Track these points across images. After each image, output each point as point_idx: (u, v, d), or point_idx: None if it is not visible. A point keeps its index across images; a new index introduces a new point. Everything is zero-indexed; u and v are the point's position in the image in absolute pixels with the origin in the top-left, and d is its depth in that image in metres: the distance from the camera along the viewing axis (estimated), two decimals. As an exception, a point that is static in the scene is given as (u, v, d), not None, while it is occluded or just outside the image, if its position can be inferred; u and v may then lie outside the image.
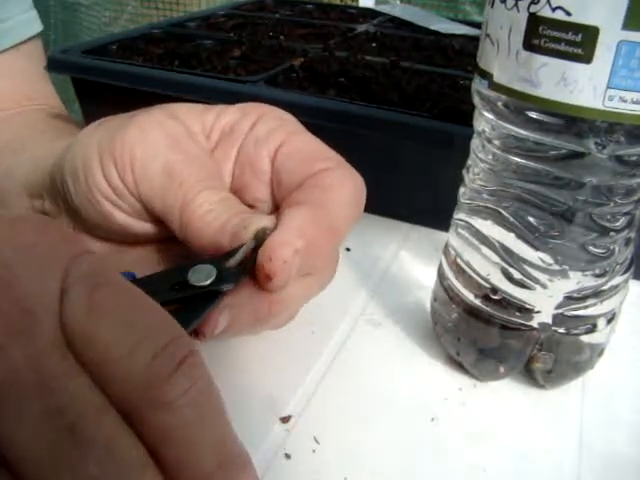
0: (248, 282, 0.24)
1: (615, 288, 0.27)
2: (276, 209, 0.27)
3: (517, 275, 0.26)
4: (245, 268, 0.23)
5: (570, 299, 0.27)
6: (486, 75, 0.25)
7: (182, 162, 0.26)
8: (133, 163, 0.26)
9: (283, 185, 0.27)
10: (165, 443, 0.17)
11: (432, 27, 0.69)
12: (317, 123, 0.29)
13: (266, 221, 0.24)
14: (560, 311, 0.27)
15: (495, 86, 0.25)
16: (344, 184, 0.26)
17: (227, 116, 0.29)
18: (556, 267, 0.26)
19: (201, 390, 0.17)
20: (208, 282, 0.22)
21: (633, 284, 0.29)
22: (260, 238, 0.24)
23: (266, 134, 0.27)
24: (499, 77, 0.24)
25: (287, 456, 0.25)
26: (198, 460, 0.17)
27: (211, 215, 0.25)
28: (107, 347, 0.16)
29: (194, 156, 0.27)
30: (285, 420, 0.27)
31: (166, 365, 0.17)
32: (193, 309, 0.22)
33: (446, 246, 0.30)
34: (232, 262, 0.23)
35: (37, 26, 0.50)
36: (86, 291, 0.17)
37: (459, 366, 0.30)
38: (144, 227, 0.28)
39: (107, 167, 0.26)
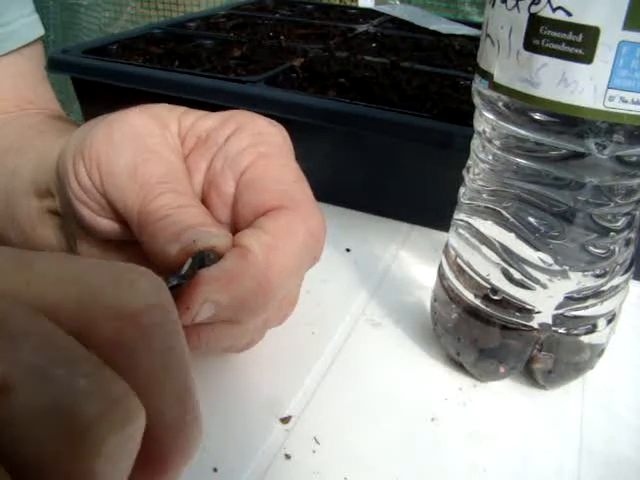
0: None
1: (615, 289, 0.27)
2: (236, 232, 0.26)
3: (517, 275, 0.26)
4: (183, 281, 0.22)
5: (570, 299, 0.27)
6: (486, 75, 0.25)
7: (146, 162, 0.25)
8: (99, 161, 0.25)
9: (239, 214, 0.26)
10: (127, 368, 0.14)
11: (432, 27, 0.69)
12: (317, 123, 0.29)
13: (217, 240, 0.23)
14: (560, 311, 0.27)
15: (495, 86, 0.25)
16: (293, 232, 0.24)
17: (206, 122, 0.28)
18: (556, 267, 0.26)
19: (173, 320, 0.15)
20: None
21: (633, 285, 0.29)
22: (207, 257, 0.23)
23: (235, 153, 0.26)
24: (499, 77, 0.24)
25: (287, 456, 0.25)
26: (161, 402, 0.14)
27: (167, 220, 0.24)
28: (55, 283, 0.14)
29: (161, 157, 0.26)
30: (285, 420, 0.27)
31: (129, 275, 0.15)
32: None
33: (446, 246, 0.30)
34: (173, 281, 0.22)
35: (39, 30, 0.51)
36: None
37: (459, 366, 0.30)
38: (115, 227, 0.27)
39: (77, 165, 0.26)
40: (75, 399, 0.12)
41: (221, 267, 0.23)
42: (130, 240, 0.28)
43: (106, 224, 0.27)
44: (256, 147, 0.26)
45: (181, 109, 0.28)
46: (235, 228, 0.26)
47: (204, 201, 0.27)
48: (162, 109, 0.28)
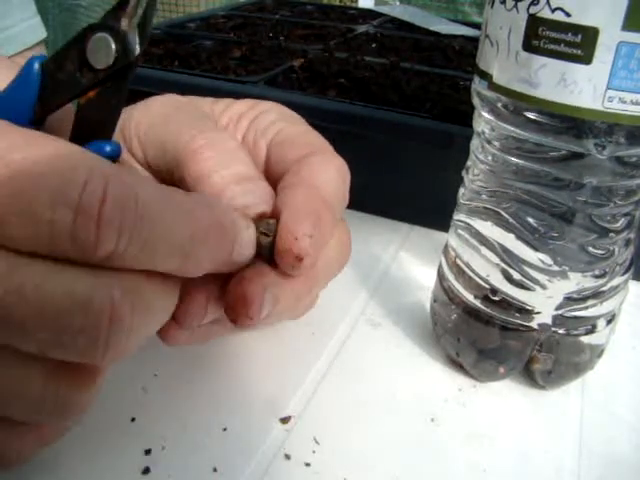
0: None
1: (615, 289, 0.27)
2: None
3: (517, 276, 0.26)
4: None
5: (570, 300, 0.27)
6: (485, 76, 0.25)
7: (179, 110, 0.27)
8: (138, 129, 0.27)
9: (273, 172, 0.27)
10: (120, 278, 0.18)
11: (432, 28, 0.69)
12: (317, 123, 0.29)
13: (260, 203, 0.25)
14: (560, 312, 0.27)
15: (494, 87, 0.25)
16: (326, 165, 0.26)
17: (237, 107, 0.30)
18: (556, 268, 0.26)
19: (136, 217, 0.17)
20: (112, 62, 0.21)
21: (633, 285, 0.29)
22: (265, 225, 0.23)
23: (266, 125, 0.28)
24: (498, 78, 0.24)
25: (287, 456, 0.25)
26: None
27: (207, 154, 0.25)
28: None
29: (199, 118, 0.27)
30: (285, 421, 0.27)
31: (88, 230, 0.17)
32: (107, 100, 0.22)
33: (446, 247, 0.30)
34: (125, 22, 0.20)
35: (41, 32, 0.51)
36: None
37: (459, 367, 0.30)
38: None
39: None
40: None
41: (291, 197, 0.24)
42: None
43: None
44: (283, 120, 0.29)
45: (210, 98, 0.31)
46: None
47: None
48: (194, 98, 0.30)
